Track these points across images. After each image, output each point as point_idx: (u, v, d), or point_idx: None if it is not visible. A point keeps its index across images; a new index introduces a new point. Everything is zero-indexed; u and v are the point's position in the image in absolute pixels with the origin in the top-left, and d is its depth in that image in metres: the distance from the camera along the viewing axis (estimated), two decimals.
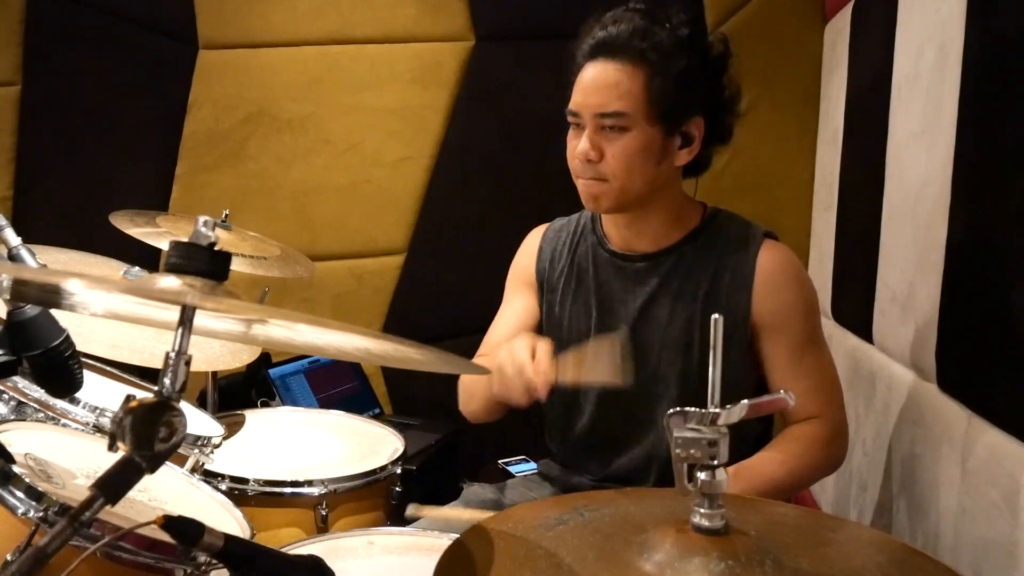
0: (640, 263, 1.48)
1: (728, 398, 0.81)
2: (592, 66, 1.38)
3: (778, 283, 1.43)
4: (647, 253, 1.48)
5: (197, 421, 1.65)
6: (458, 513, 1.44)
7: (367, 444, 1.90)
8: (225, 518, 1.31)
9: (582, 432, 1.53)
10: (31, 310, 1.01)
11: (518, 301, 1.60)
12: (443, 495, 1.70)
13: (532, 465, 2.36)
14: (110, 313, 1.11)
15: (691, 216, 1.49)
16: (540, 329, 1.57)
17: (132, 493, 0.83)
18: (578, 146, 1.39)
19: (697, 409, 0.79)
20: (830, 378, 1.46)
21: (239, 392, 2.41)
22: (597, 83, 1.37)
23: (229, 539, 0.85)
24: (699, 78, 1.38)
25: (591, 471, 1.55)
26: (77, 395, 1.19)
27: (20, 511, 1.00)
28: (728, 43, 1.44)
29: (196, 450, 1.48)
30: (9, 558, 0.79)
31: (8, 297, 0.98)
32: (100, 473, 0.79)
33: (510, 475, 2.31)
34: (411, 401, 2.80)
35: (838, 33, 2.29)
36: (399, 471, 1.79)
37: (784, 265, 1.44)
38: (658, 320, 1.45)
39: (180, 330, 0.81)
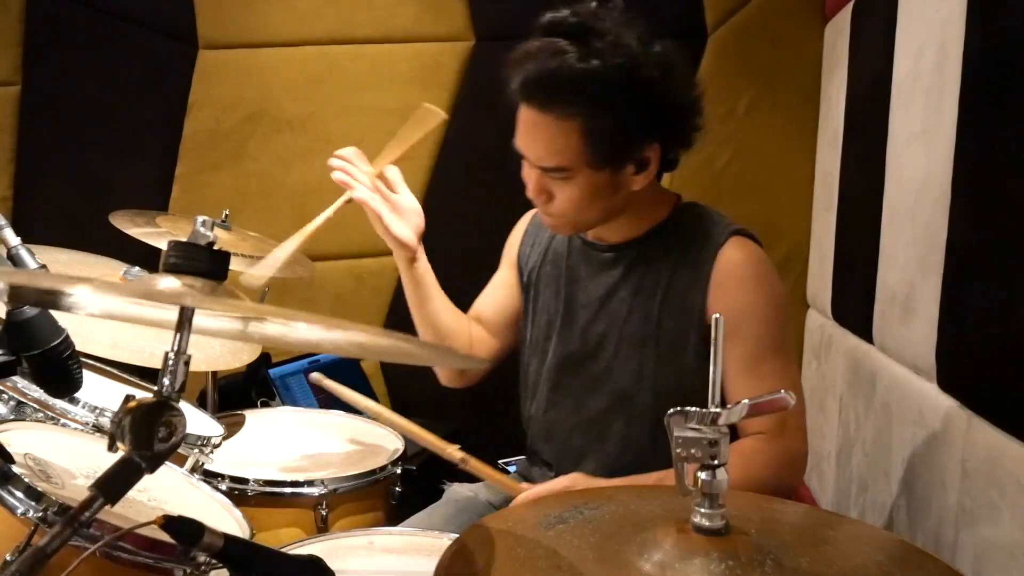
0: (606, 252, 1.47)
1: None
2: (526, 110, 1.31)
3: (733, 284, 1.36)
4: (613, 244, 1.46)
5: (197, 421, 1.65)
6: (358, 399, 1.60)
7: (367, 444, 1.90)
8: (225, 518, 1.31)
9: (540, 419, 1.55)
10: (30, 310, 1.01)
11: (500, 275, 1.68)
12: (442, 495, 1.70)
13: None
14: (110, 314, 1.11)
15: (659, 209, 1.44)
16: (523, 307, 1.61)
17: (132, 493, 0.82)
18: (528, 182, 1.38)
19: (697, 409, 0.79)
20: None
21: (239, 392, 2.41)
22: (533, 135, 1.31)
23: (229, 539, 0.85)
24: (640, 112, 1.29)
25: (561, 469, 1.53)
26: (77, 395, 1.19)
27: (20, 511, 1.00)
28: (671, 53, 1.31)
29: (196, 450, 1.48)
30: (9, 558, 0.79)
31: (7, 299, 0.98)
32: (100, 473, 0.79)
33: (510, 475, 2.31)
34: (411, 401, 2.79)
35: (838, 33, 2.29)
36: (399, 471, 1.79)
37: (742, 265, 1.37)
38: (617, 314, 1.43)
39: (180, 330, 0.81)
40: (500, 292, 1.64)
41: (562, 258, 1.53)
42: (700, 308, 1.37)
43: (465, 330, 1.61)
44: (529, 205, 1.47)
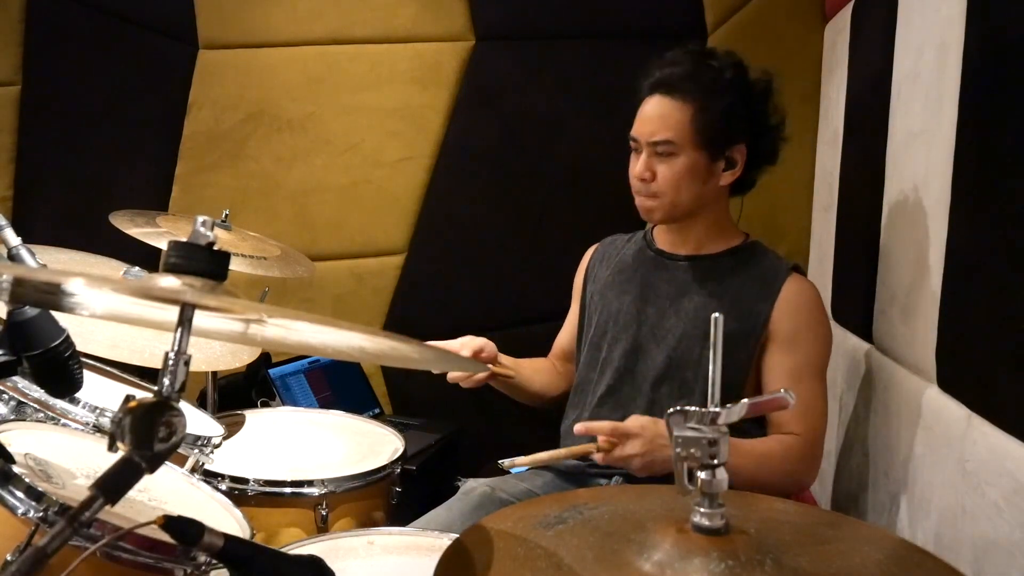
0: (682, 262, 1.67)
1: (727, 397, 0.82)
2: (650, 100, 1.60)
3: (799, 305, 1.58)
4: (689, 255, 1.67)
5: (197, 421, 1.65)
6: (550, 455, 1.46)
7: (367, 444, 1.90)
8: (225, 518, 1.31)
9: (596, 401, 1.66)
10: (31, 310, 1.01)
11: (572, 309, 1.86)
12: (443, 495, 1.70)
13: None
14: (110, 314, 1.11)
15: (733, 237, 1.68)
16: (580, 319, 1.79)
17: (132, 493, 0.82)
18: (635, 168, 1.60)
19: (697, 408, 0.79)
20: (820, 411, 1.57)
21: (239, 392, 2.41)
22: (652, 115, 1.59)
23: (229, 539, 0.85)
24: (740, 111, 1.58)
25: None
26: (77, 395, 1.19)
27: (20, 511, 1.00)
28: (772, 80, 1.63)
29: (196, 450, 1.48)
30: (9, 558, 0.79)
31: (8, 299, 0.98)
32: (100, 473, 0.79)
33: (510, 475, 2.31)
34: (411, 401, 2.79)
35: (838, 33, 2.29)
36: (399, 471, 1.79)
37: (809, 293, 1.61)
38: (686, 311, 1.61)
39: (180, 330, 0.81)
40: (572, 322, 1.84)
41: (629, 267, 1.72)
42: (766, 316, 1.57)
43: (552, 372, 1.84)
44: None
